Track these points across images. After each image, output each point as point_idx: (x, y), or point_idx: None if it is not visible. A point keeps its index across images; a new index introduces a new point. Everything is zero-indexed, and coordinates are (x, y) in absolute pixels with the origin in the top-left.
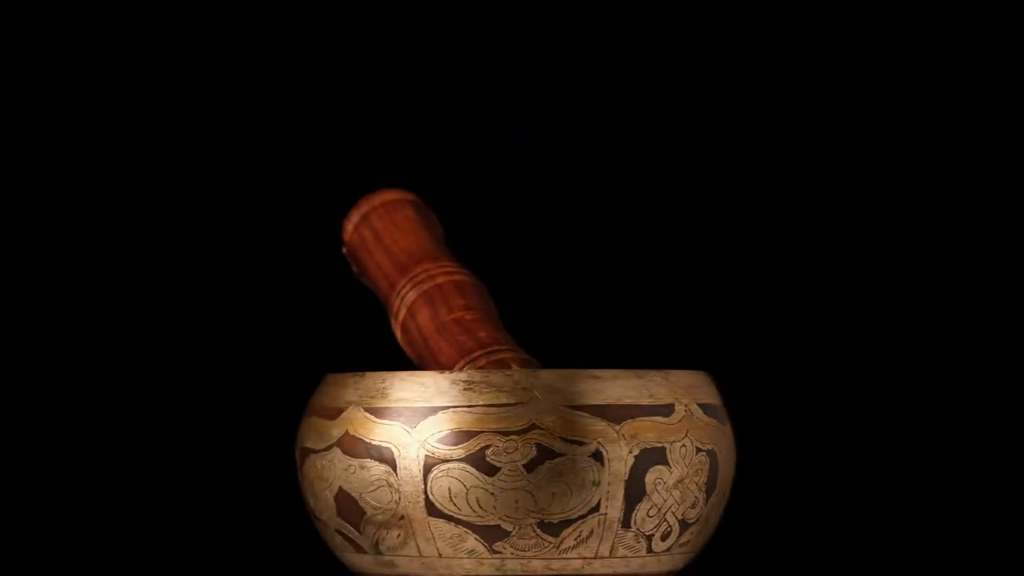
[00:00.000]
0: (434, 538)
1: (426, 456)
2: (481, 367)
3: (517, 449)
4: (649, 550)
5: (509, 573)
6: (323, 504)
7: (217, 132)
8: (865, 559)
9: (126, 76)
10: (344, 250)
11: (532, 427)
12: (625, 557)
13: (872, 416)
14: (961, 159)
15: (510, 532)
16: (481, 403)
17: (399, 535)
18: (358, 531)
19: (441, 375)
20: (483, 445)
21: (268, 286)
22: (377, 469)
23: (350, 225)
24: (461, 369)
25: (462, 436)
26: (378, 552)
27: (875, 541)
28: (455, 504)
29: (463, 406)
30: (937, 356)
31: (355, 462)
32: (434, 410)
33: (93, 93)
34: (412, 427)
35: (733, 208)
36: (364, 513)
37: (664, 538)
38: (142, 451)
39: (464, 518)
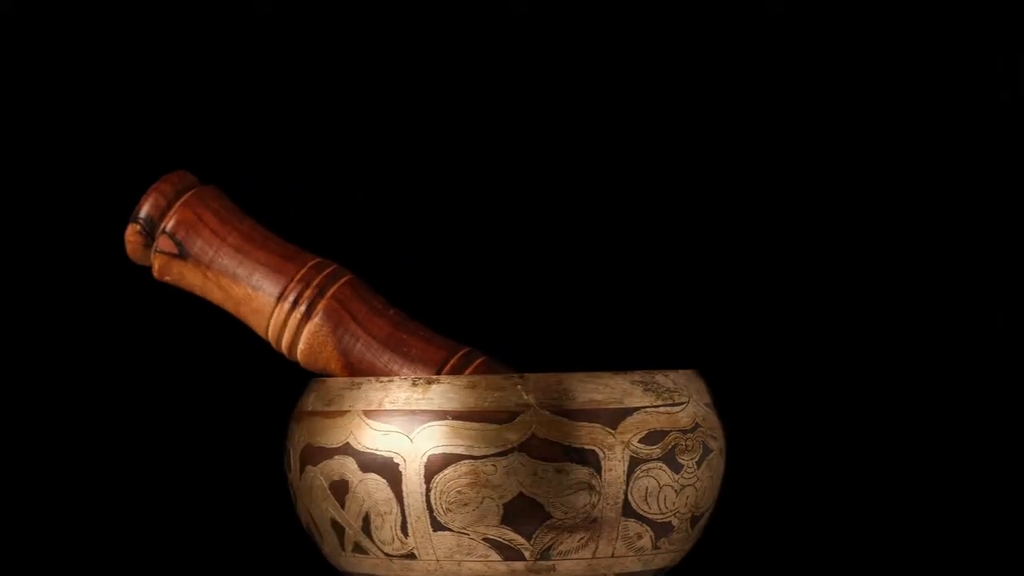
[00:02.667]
0: (618, 538)
1: (630, 457)
2: (479, 364)
3: (695, 447)
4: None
5: (652, 567)
6: (474, 513)
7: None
8: (854, 558)
9: None
10: (138, 228)
11: (697, 426)
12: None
13: (855, 416)
14: (960, 158)
15: (675, 528)
16: (661, 403)
17: (582, 538)
18: (527, 538)
19: (617, 375)
20: (674, 444)
21: None
22: (579, 472)
23: (162, 199)
24: (453, 365)
25: (658, 436)
26: (543, 558)
27: (863, 539)
28: (647, 503)
29: (651, 406)
30: (932, 355)
31: (549, 466)
32: (629, 411)
33: None
34: (613, 428)
35: (723, 206)
36: (548, 518)
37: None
38: (134, 454)
39: (651, 516)
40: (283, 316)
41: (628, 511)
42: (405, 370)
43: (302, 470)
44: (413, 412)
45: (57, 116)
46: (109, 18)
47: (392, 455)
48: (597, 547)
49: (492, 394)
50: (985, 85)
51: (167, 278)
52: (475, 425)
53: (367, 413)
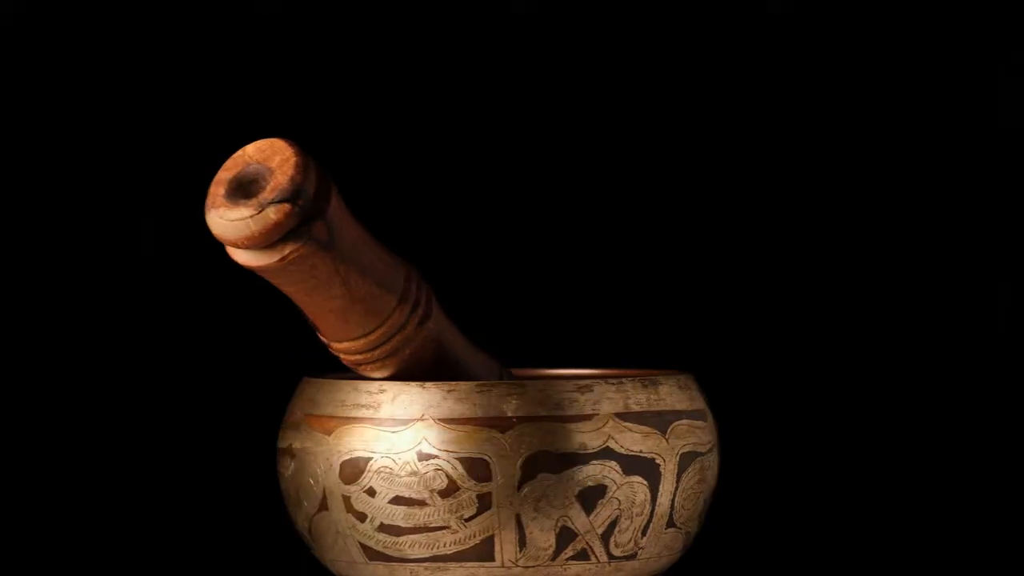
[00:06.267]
0: None
1: None
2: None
3: None
4: None
5: None
6: (694, 507)
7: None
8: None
9: None
10: (296, 210)
11: None
12: None
13: (849, 419)
14: (959, 159)
15: None
16: None
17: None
18: (700, 528)
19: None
20: None
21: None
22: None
23: (320, 176)
24: (503, 370)
25: None
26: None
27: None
28: None
29: None
30: (931, 356)
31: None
32: None
33: None
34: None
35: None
36: (705, 508)
37: None
38: (129, 457)
39: None
40: (403, 318)
41: None
42: (485, 374)
43: (527, 479)
44: (659, 412)
45: (51, 115)
46: (108, 17)
47: (654, 456)
48: None
49: (693, 394)
50: (985, 85)
51: (290, 268)
52: (699, 423)
53: (620, 416)
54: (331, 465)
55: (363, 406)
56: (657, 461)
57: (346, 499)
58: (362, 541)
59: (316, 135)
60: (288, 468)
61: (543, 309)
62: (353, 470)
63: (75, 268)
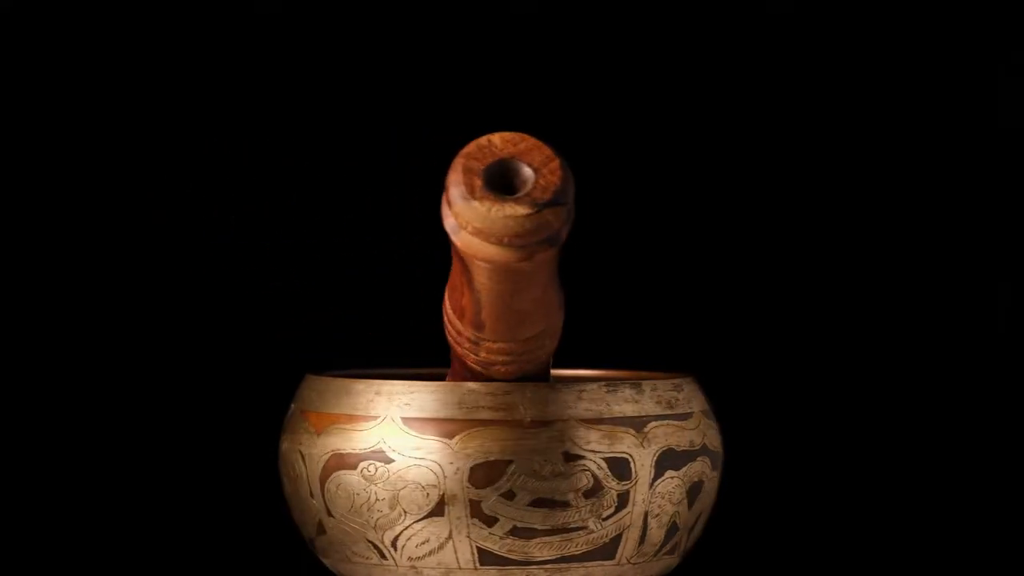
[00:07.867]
0: None
1: None
2: None
3: None
4: None
5: None
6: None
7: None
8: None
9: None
10: (566, 214)
11: None
12: None
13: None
14: (959, 160)
15: None
16: None
17: None
18: None
19: None
20: None
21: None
22: None
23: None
24: None
25: None
26: None
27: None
28: None
29: None
30: (928, 357)
31: None
32: None
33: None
34: None
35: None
36: None
37: None
38: (126, 456)
39: None
40: (559, 323)
41: None
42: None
43: (658, 477)
44: (714, 411)
45: (48, 116)
46: (114, 17)
47: (720, 452)
48: None
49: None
50: (985, 85)
51: (521, 267)
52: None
53: (704, 413)
54: (456, 469)
55: (489, 408)
56: (722, 456)
57: (474, 504)
58: (483, 545)
59: (314, 135)
60: (372, 474)
61: None
62: (487, 473)
63: (75, 268)
